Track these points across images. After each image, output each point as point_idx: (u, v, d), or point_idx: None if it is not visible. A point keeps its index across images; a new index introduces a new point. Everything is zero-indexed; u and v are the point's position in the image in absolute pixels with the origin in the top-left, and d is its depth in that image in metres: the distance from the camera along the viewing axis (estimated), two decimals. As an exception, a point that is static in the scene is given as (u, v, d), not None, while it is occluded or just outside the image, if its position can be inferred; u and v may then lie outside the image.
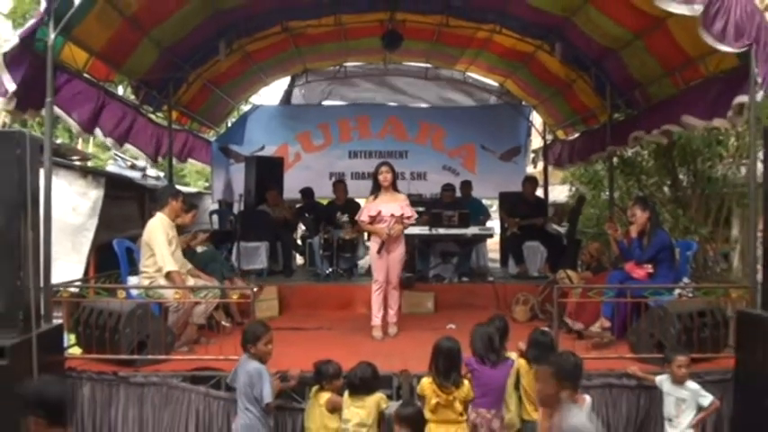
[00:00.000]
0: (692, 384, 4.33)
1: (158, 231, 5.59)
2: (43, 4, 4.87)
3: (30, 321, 4.31)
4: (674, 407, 4.34)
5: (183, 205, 5.98)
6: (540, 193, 10.53)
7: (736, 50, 4.89)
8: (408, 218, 6.44)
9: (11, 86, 5.04)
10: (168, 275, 5.55)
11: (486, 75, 11.59)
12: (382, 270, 6.38)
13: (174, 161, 9.27)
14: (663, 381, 4.46)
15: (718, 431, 4.74)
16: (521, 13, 7.88)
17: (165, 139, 8.38)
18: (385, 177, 6.37)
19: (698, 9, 4.80)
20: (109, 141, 7.13)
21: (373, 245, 6.49)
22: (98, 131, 6.70)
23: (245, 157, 11.02)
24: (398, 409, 4.08)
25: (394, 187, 6.48)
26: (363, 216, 6.49)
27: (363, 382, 4.14)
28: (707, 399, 4.28)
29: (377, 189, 6.46)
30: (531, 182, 9.46)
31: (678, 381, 4.36)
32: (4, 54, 4.95)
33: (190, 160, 10.30)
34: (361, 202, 9.50)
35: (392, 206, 6.36)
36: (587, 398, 4.05)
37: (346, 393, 4.19)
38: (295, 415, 4.65)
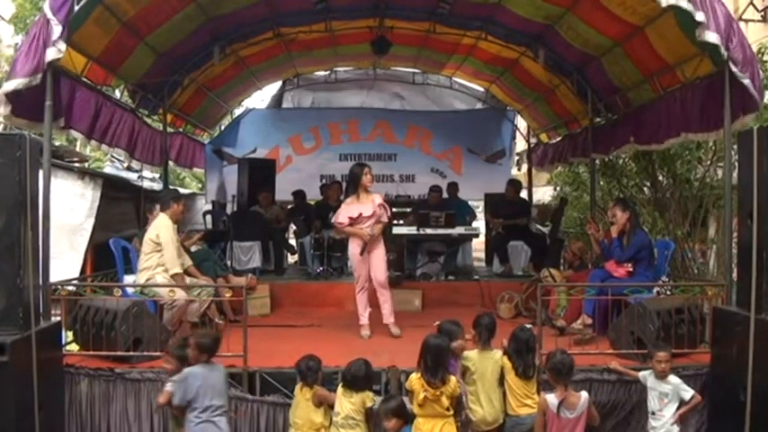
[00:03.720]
0: (673, 379, 4.43)
1: (168, 232, 5.77)
2: (58, 27, 4.93)
3: (29, 319, 4.33)
4: (657, 401, 4.44)
5: (184, 208, 6.13)
6: (524, 194, 10.72)
7: (720, 45, 5.00)
8: (387, 213, 6.39)
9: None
10: (173, 277, 5.71)
11: (472, 80, 11.81)
12: (363, 270, 6.36)
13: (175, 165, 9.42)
14: (646, 376, 4.55)
15: (694, 425, 4.83)
16: (505, 21, 8.04)
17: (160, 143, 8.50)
18: (370, 179, 6.34)
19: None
20: (121, 154, 7.28)
21: (355, 247, 6.35)
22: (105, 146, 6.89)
23: (238, 159, 11.12)
24: (382, 404, 4.18)
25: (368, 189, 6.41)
26: (341, 218, 6.33)
27: (354, 379, 4.21)
28: (688, 393, 4.35)
29: (355, 190, 6.38)
30: (513, 184, 9.64)
31: (659, 376, 4.46)
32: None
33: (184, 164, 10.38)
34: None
35: (369, 207, 6.29)
36: (584, 393, 4.21)
37: (340, 386, 4.28)
38: (286, 410, 4.71)
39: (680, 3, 4.90)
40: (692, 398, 4.37)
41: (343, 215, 6.36)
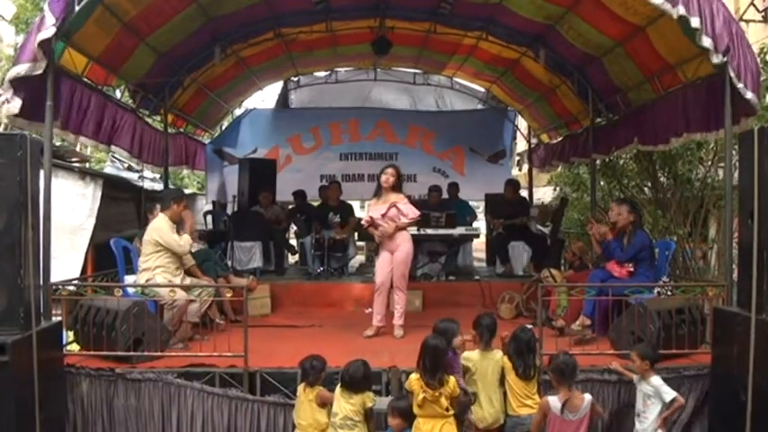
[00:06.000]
0: (655, 380, 4.36)
1: (167, 230, 5.79)
2: (51, 19, 4.92)
3: (30, 319, 4.32)
4: (642, 402, 4.41)
5: (185, 209, 6.13)
6: (525, 194, 10.72)
7: (718, 56, 5.04)
8: (404, 214, 6.23)
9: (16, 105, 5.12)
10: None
11: (473, 80, 11.84)
12: (382, 271, 6.29)
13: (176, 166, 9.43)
14: (637, 378, 4.55)
15: (695, 425, 4.88)
16: (506, 21, 8.05)
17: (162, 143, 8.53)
18: (386, 179, 6.27)
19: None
20: (123, 155, 7.28)
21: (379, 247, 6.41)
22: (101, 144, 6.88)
23: (239, 159, 11.14)
24: (393, 401, 4.26)
25: (396, 189, 6.33)
26: (363, 220, 6.53)
27: (352, 381, 4.21)
28: (669, 395, 4.28)
29: (378, 190, 6.40)
30: (511, 184, 9.66)
31: (641, 375, 4.43)
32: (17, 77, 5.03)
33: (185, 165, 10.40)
34: (353, 203, 9.69)
35: (382, 209, 6.26)
36: (587, 396, 4.21)
37: (338, 387, 4.28)
38: (287, 410, 4.74)
39: (679, 11, 4.98)
40: (673, 400, 4.29)
41: (365, 218, 6.51)
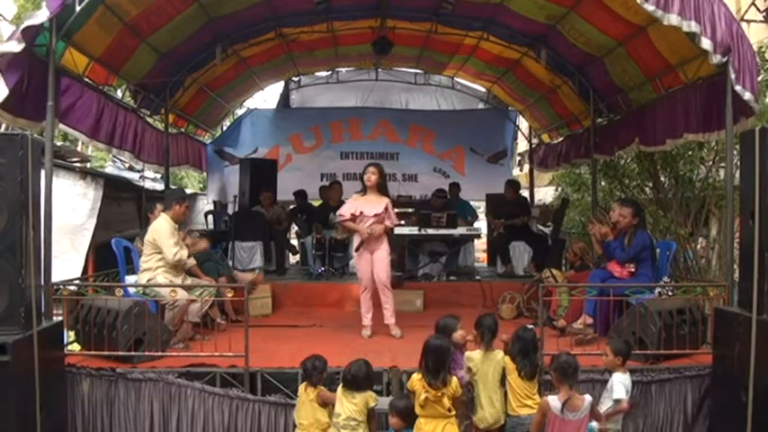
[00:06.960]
0: (616, 376, 4.35)
1: (165, 233, 5.78)
2: (45, 11, 4.90)
3: (31, 318, 4.32)
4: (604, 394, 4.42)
5: (186, 210, 6.12)
6: (526, 194, 10.71)
7: (718, 56, 5.03)
8: (390, 218, 6.34)
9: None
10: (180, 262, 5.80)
11: (474, 80, 11.84)
12: (365, 270, 6.31)
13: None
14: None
15: (696, 425, 4.88)
16: (507, 21, 8.06)
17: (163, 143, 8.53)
18: (368, 178, 6.25)
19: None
20: (126, 155, 7.28)
21: (355, 243, 6.40)
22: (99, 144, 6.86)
23: (240, 159, 11.16)
24: (393, 401, 4.26)
25: (381, 190, 6.33)
26: (342, 211, 6.41)
27: (355, 380, 4.21)
28: (617, 394, 4.25)
29: (364, 188, 6.37)
30: (511, 185, 9.70)
31: (610, 369, 4.43)
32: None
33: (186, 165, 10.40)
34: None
35: (375, 207, 6.24)
36: (587, 397, 4.16)
37: (340, 387, 4.27)
38: (287, 410, 4.73)
39: (670, 18, 4.97)
40: (618, 401, 4.24)
41: (345, 209, 6.40)
